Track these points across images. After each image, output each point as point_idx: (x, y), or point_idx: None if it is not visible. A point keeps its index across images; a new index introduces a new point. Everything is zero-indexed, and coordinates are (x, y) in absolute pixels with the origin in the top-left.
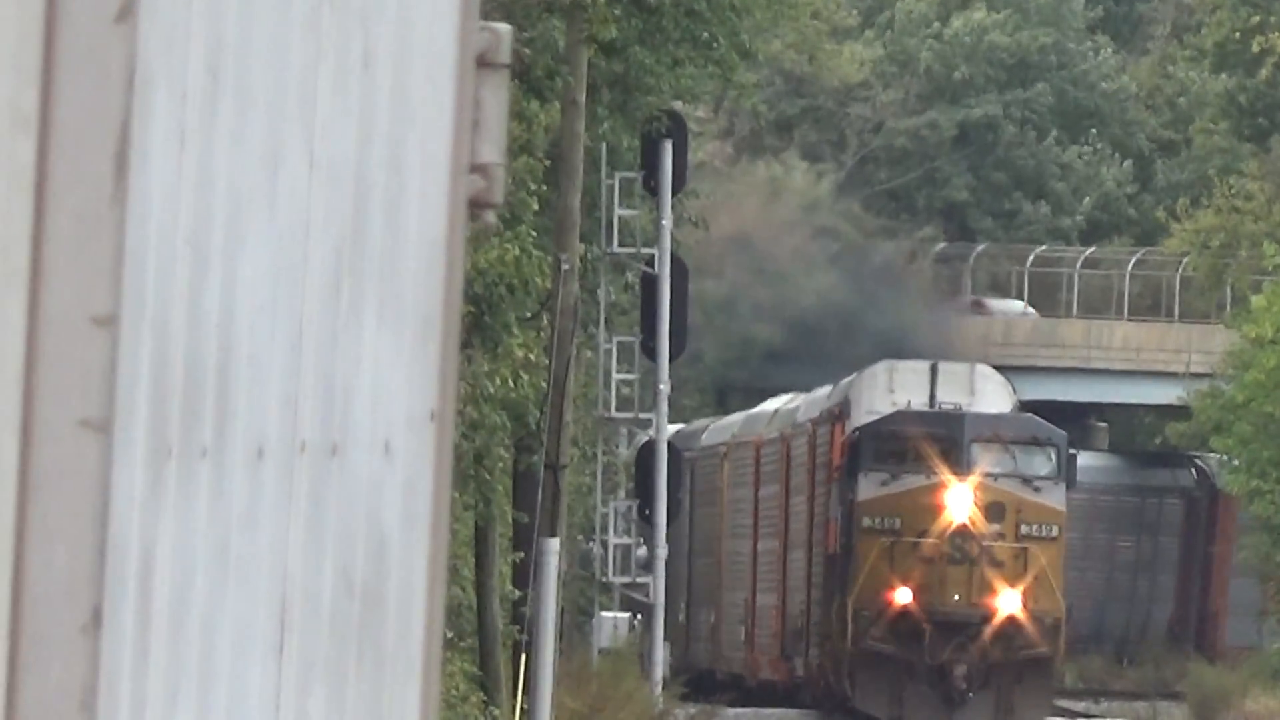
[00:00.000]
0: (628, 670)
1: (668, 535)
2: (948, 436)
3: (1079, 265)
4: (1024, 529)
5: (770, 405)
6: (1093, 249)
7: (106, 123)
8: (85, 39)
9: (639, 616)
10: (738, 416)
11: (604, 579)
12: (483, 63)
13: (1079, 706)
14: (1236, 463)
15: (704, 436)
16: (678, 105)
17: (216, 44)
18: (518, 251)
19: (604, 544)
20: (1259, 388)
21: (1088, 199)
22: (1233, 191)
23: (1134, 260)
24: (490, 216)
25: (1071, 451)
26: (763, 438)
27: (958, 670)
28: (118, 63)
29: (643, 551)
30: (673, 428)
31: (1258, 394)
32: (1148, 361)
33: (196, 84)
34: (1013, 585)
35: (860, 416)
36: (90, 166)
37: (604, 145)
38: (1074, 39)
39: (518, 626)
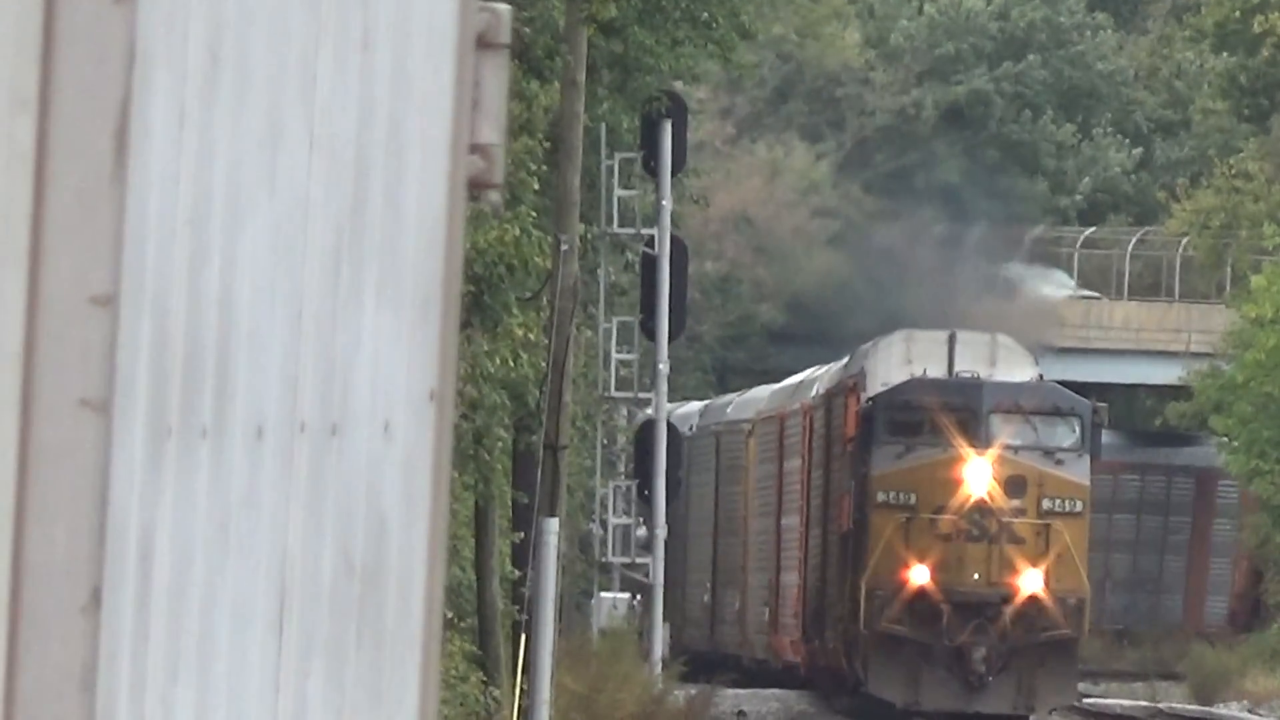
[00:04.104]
0: (627, 651)
1: (668, 515)
2: (965, 407)
3: (1079, 245)
4: (1046, 504)
5: (795, 378)
6: (1093, 229)
7: (106, 102)
8: (85, 19)
9: (639, 597)
10: (763, 390)
11: (603, 559)
12: (482, 43)
13: (1079, 687)
14: (1236, 443)
15: (729, 410)
16: (677, 85)
17: (216, 24)
18: (517, 231)
19: (604, 524)
20: (1259, 368)
21: (1087, 179)
22: (1233, 172)
23: (1134, 240)
24: (494, 197)
25: (1098, 421)
26: (786, 411)
27: (977, 653)
28: (117, 43)
29: (642, 532)
30: (697, 404)
31: (1257, 374)
32: (1148, 341)
33: (196, 64)
34: (1034, 563)
35: (876, 387)
36: (90, 146)
37: (603, 125)
38: (1067, 14)
39: (517, 607)
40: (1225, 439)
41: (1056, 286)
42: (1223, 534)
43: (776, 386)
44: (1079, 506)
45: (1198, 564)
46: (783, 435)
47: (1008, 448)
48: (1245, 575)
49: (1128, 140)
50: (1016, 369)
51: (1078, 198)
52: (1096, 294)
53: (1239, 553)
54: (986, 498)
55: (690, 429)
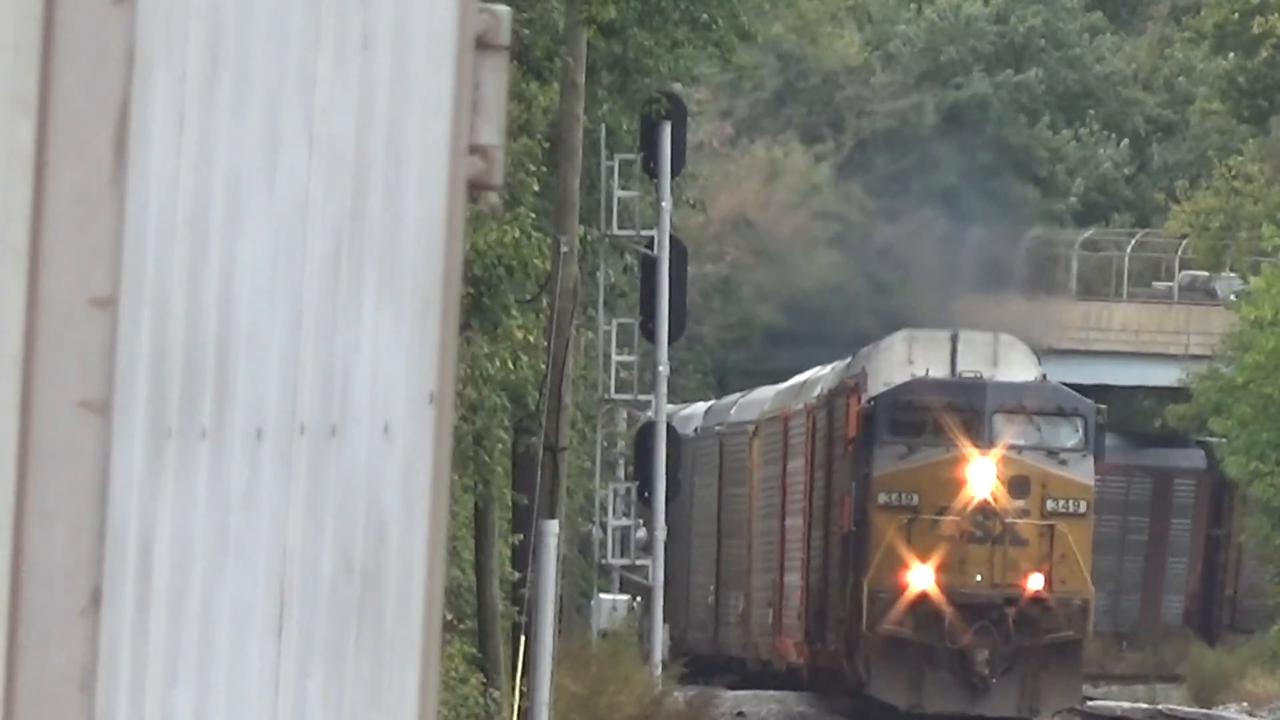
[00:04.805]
0: (627, 652)
1: (668, 517)
2: (969, 406)
3: (1078, 247)
4: (1050, 505)
5: (799, 378)
6: (1091, 230)
7: (106, 104)
8: (85, 20)
9: (638, 599)
10: (767, 391)
11: (603, 561)
12: (482, 44)
13: None
14: (1236, 445)
15: (733, 412)
16: (677, 87)
17: (216, 25)
18: (517, 233)
19: (603, 526)
20: (1258, 369)
21: (1079, 181)
22: (1232, 173)
23: (1133, 242)
24: (494, 198)
25: (1100, 422)
26: (789, 411)
27: (980, 655)
28: (117, 44)
29: (642, 534)
30: (702, 405)
31: (1257, 376)
32: (1147, 343)
33: (196, 65)
34: (1038, 565)
35: (878, 388)
36: (89, 148)
37: (603, 127)
38: (1066, 18)
39: (517, 608)
40: (1223, 440)
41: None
42: (1180, 534)
43: (780, 387)
44: (1083, 507)
45: (1155, 564)
46: (786, 436)
47: (1011, 448)
48: (1200, 575)
49: (1113, 135)
50: (1020, 369)
51: (1072, 200)
52: None
53: (1195, 552)
54: (990, 498)
55: (694, 430)
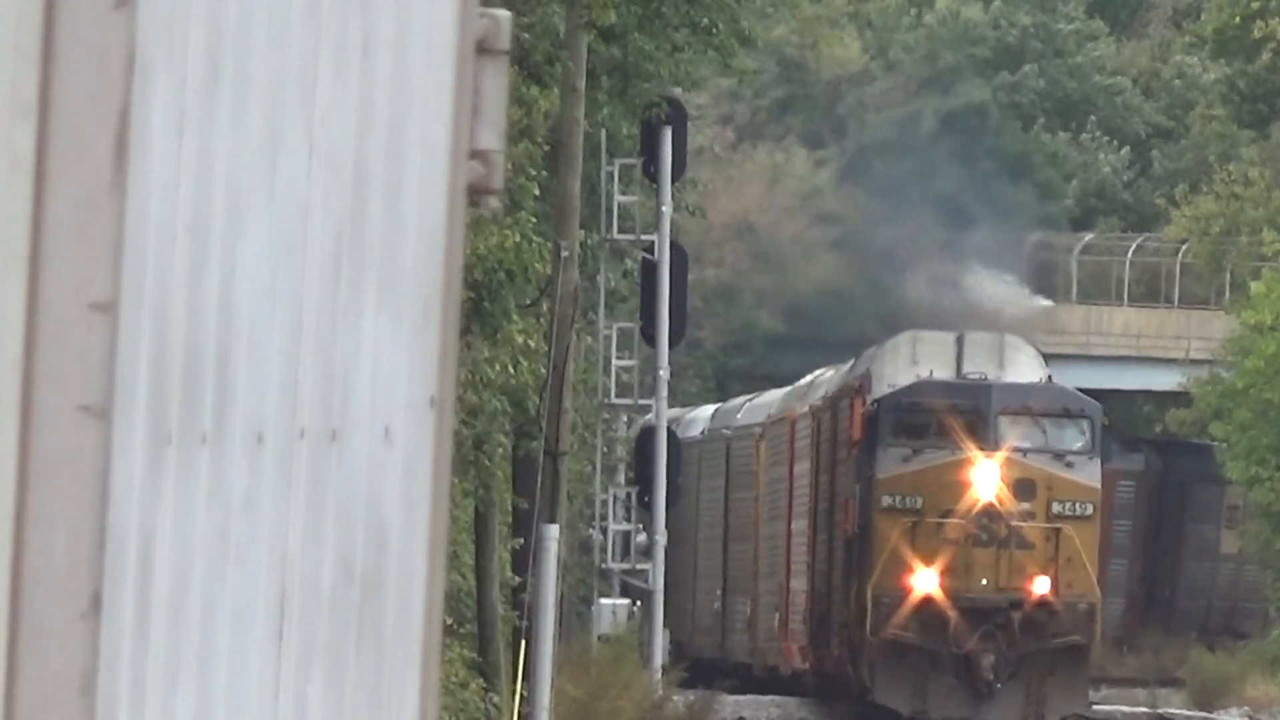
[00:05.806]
0: (627, 657)
1: (669, 521)
2: (973, 408)
3: (1078, 251)
4: (1056, 507)
5: (805, 380)
6: (1091, 235)
7: (106, 109)
8: (85, 25)
9: (639, 603)
10: (774, 394)
11: (603, 565)
12: (482, 49)
13: None
14: (1236, 449)
15: (740, 415)
16: (677, 91)
17: (216, 30)
18: (517, 238)
19: (603, 530)
20: (1258, 374)
21: (1074, 182)
22: (1232, 178)
23: (1134, 246)
24: (494, 203)
25: (1106, 423)
26: (795, 414)
27: (985, 660)
28: (117, 49)
29: (642, 538)
30: (710, 408)
31: (1257, 380)
32: (1148, 348)
33: (196, 70)
34: (1044, 568)
35: (882, 389)
36: (90, 153)
37: (603, 131)
38: (1065, 21)
39: (517, 613)
40: (1224, 444)
41: None
42: (1120, 534)
43: (787, 389)
44: (1089, 510)
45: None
46: (792, 438)
47: (1016, 450)
48: (1139, 577)
49: (1114, 142)
50: (1025, 370)
51: (1068, 203)
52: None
53: (1134, 554)
54: (995, 501)
55: (701, 433)
